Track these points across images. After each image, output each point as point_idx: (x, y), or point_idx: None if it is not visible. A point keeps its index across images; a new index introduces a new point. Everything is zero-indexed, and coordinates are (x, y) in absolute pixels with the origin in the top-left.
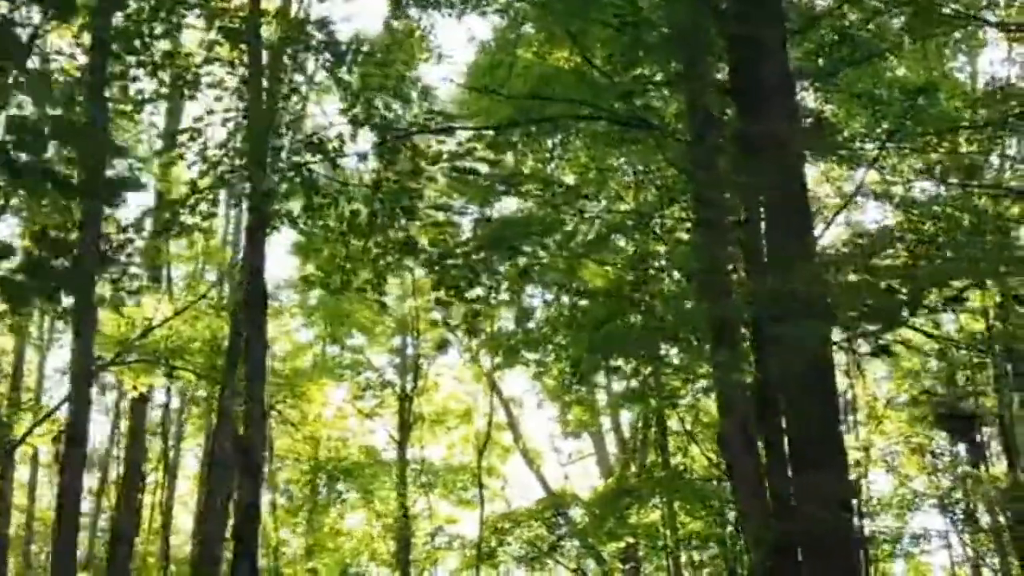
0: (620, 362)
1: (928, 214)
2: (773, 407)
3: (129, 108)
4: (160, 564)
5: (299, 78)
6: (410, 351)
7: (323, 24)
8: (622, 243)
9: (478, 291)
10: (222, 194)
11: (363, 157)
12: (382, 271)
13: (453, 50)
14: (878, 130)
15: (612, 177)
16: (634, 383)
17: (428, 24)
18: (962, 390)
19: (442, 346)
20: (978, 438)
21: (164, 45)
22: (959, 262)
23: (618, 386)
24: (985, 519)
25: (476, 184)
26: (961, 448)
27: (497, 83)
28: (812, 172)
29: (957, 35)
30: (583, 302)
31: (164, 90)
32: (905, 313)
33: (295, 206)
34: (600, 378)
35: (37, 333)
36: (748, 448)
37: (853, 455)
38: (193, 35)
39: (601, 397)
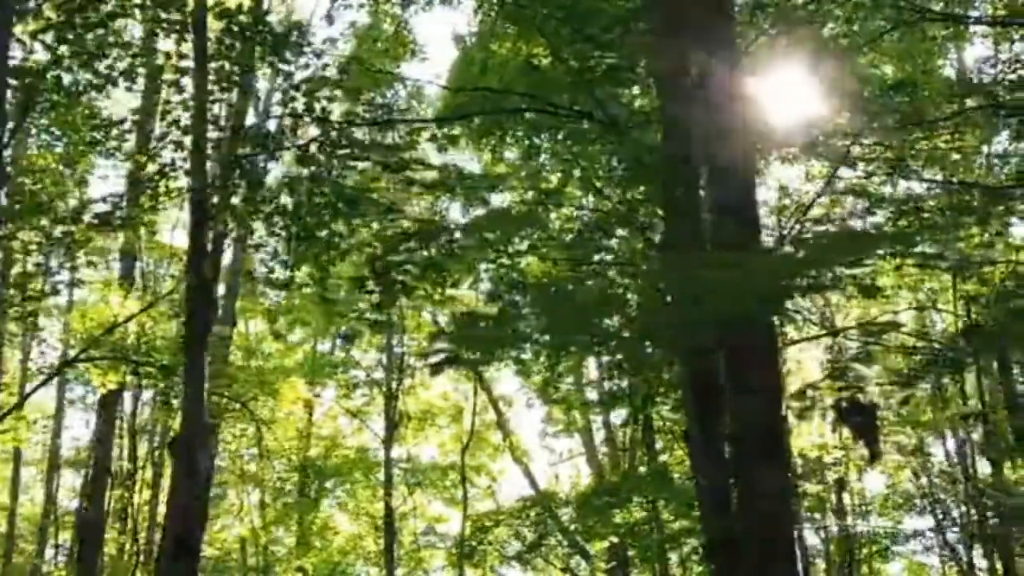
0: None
1: (910, 210)
2: (715, 401)
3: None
4: (134, 562)
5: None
6: (397, 349)
7: (257, 13)
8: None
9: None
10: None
11: (303, 150)
12: (324, 265)
13: (432, 47)
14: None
15: (594, 174)
16: (613, 383)
17: (404, 19)
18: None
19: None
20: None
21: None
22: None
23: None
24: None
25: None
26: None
27: (472, 79)
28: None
29: (941, 32)
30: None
31: (98, 80)
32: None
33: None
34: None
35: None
36: (707, 445)
37: (835, 454)
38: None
39: (592, 396)
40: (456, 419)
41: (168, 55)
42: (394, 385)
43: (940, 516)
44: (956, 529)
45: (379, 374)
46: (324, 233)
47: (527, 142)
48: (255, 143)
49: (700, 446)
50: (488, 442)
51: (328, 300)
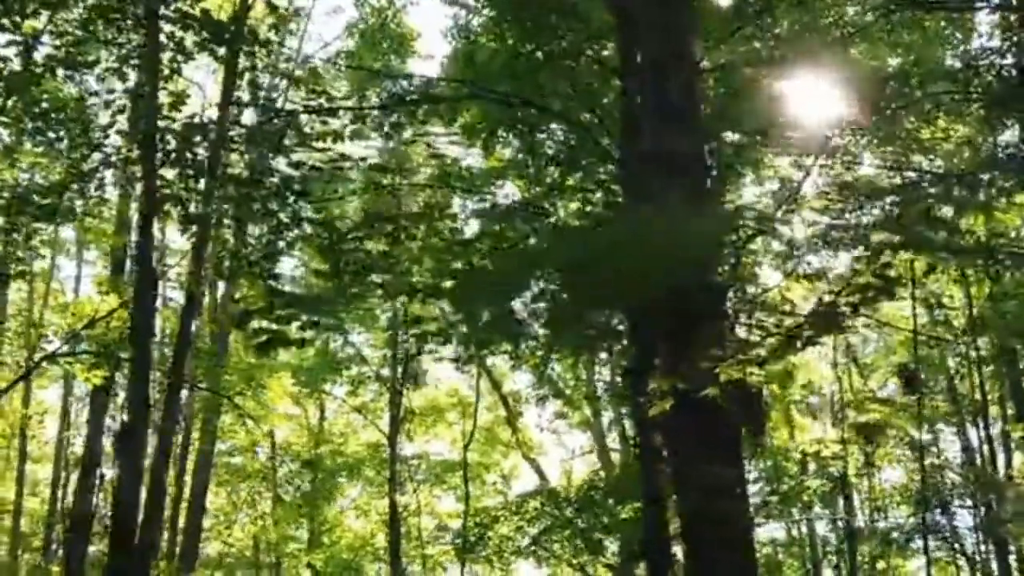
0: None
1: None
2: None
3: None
4: None
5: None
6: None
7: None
8: None
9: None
10: (109, 178)
11: (248, 137)
12: (271, 255)
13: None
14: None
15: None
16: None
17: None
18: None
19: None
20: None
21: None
22: None
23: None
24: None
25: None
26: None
27: (458, 71)
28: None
29: (931, 21)
30: None
31: (39, 68)
32: None
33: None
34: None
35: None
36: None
37: (832, 448)
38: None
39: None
40: (467, 415)
41: (108, 43)
42: (399, 381)
43: (951, 511)
44: (969, 525)
45: (387, 371)
46: (272, 222)
47: (520, 138)
48: (193, 132)
49: (642, 438)
50: (499, 438)
51: (275, 291)
